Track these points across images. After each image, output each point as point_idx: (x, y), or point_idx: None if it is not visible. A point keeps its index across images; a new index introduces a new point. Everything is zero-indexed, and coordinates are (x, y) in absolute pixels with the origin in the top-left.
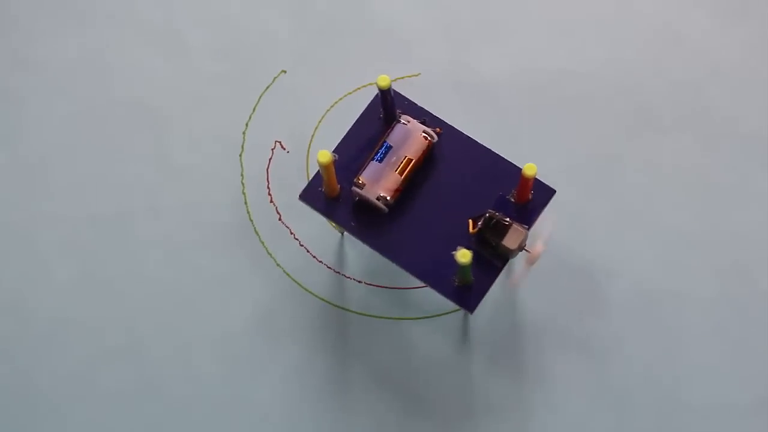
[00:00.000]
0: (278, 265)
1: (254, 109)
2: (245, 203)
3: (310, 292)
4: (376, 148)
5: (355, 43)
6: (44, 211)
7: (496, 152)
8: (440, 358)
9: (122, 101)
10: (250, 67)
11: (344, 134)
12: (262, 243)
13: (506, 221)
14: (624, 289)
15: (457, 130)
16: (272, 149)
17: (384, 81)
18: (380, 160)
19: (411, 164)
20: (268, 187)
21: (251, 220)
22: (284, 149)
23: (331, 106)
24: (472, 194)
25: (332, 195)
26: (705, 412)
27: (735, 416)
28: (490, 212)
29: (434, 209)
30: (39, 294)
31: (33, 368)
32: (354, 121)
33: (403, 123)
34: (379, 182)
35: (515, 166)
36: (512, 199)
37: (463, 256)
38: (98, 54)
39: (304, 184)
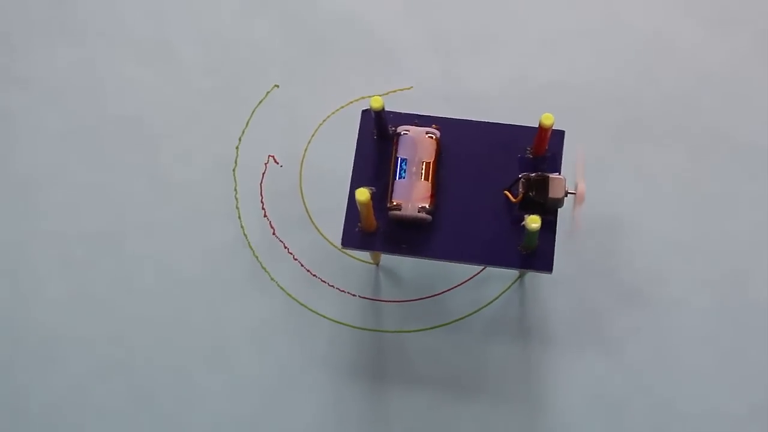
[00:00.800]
0: (272, 279)
1: (247, 124)
2: (239, 218)
3: (305, 306)
4: (392, 168)
5: (347, 57)
6: (37, 227)
7: (494, 122)
8: (436, 373)
9: (114, 117)
10: (243, 81)
11: (351, 167)
12: (256, 257)
13: (542, 176)
14: (617, 297)
15: (450, 118)
16: (265, 163)
17: (377, 102)
18: (402, 177)
19: (431, 167)
20: (262, 202)
21: (245, 235)
22: (277, 163)
23: (324, 120)
24: (492, 169)
25: (371, 229)
26: (699, 420)
27: (729, 424)
28: (523, 176)
29: (465, 197)
30: (32, 310)
31: (27, 385)
32: (354, 151)
33: (405, 133)
34: (412, 196)
35: (519, 126)
36: (530, 156)
37: (534, 221)
38: (90, 70)
39: (297, 198)
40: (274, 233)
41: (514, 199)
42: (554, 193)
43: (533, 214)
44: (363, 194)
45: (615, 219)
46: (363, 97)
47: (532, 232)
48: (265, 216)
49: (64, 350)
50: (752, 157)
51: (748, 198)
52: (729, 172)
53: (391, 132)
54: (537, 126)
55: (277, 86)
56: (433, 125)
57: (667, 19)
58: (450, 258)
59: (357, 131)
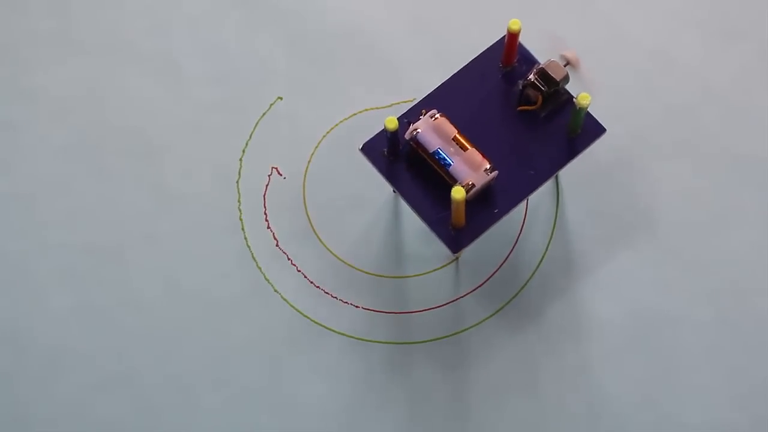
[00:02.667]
0: (276, 290)
1: (251, 136)
2: (242, 229)
3: (308, 318)
4: (436, 162)
5: (350, 69)
6: (40, 240)
7: (461, 66)
8: (430, 384)
9: (118, 129)
10: (246, 94)
11: (391, 190)
12: (260, 269)
13: (538, 69)
14: (620, 312)
15: (431, 93)
16: (269, 175)
17: (392, 123)
18: (450, 163)
19: (461, 136)
20: (265, 213)
21: (248, 246)
22: (281, 175)
23: (327, 132)
24: (492, 104)
25: (462, 225)
26: None
27: None
28: (523, 80)
29: (494, 141)
30: (35, 323)
31: (30, 397)
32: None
33: (417, 131)
34: (472, 168)
35: (484, 52)
36: (506, 69)
37: (584, 98)
38: (94, 82)
39: (301, 210)
40: (277, 245)
41: (534, 106)
42: (557, 74)
43: (555, 105)
44: (459, 192)
45: (615, 231)
46: (366, 109)
47: (582, 108)
48: (268, 228)
49: (66, 363)
50: (755, 170)
51: (752, 211)
52: (732, 185)
53: (402, 147)
54: (502, 39)
55: (281, 98)
56: (423, 111)
57: (669, 34)
58: (531, 190)
59: (360, 143)
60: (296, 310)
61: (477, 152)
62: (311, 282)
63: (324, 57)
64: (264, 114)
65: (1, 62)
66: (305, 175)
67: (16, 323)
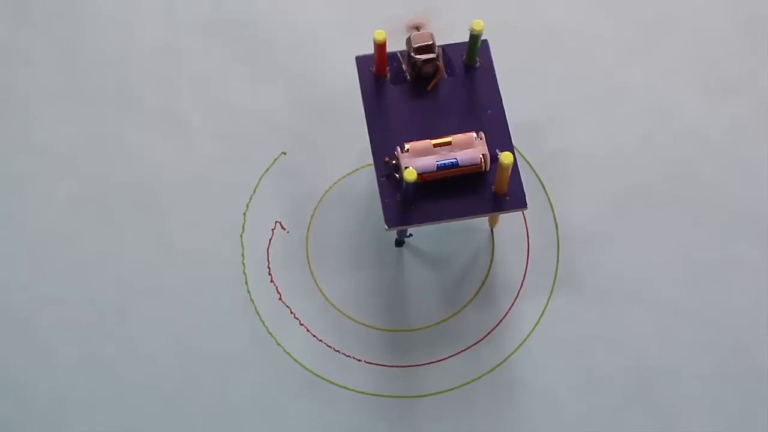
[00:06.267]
0: (278, 344)
1: (255, 190)
2: (246, 283)
3: (310, 371)
4: (448, 170)
5: (352, 125)
6: (45, 292)
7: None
8: None
9: (123, 183)
10: (251, 149)
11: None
12: (263, 322)
13: (412, 49)
14: (621, 365)
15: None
16: (272, 229)
17: (411, 175)
18: (455, 158)
19: (435, 138)
20: (269, 267)
21: (252, 300)
22: (284, 229)
23: (331, 187)
24: (413, 94)
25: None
26: None
27: None
28: (413, 66)
29: (451, 122)
30: (39, 375)
31: None
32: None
33: (408, 168)
34: (471, 146)
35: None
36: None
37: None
38: (100, 137)
39: (304, 264)
40: (280, 299)
41: (438, 74)
42: (426, 38)
43: (429, 81)
44: (508, 157)
45: (616, 286)
46: (368, 165)
47: (477, 34)
48: (271, 281)
49: (70, 414)
50: (753, 223)
51: (751, 264)
52: (731, 238)
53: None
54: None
55: (284, 153)
56: (387, 158)
57: (666, 88)
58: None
59: (363, 198)
60: (299, 363)
61: (458, 135)
62: (314, 335)
63: (327, 113)
64: (268, 169)
65: (9, 116)
66: (308, 229)
67: (20, 374)
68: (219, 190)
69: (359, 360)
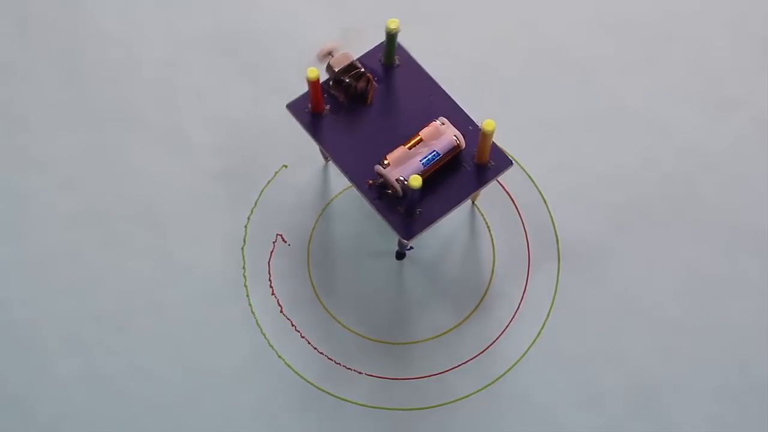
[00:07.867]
0: (279, 356)
1: (256, 203)
2: (247, 296)
3: (312, 384)
4: (434, 165)
5: None
6: (47, 307)
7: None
8: None
9: (124, 197)
10: (252, 162)
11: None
12: (264, 335)
13: (336, 72)
14: (622, 379)
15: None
16: (274, 242)
17: (417, 181)
18: (435, 150)
19: (407, 141)
20: (270, 280)
21: (253, 313)
22: (285, 242)
23: (332, 200)
24: (358, 111)
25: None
26: None
27: None
28: (345, 90)
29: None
30: (41, 390)
31: None
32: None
33: (401, 178)
34: (444, 134)
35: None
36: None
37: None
38: (102, 152)
39: (305, 277)
40: (281, 311)
41: (372, 88)
42: (346, 59)
43: (349, 96)
44: (490, 124)
45: (617, 300)
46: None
47: (393, 33)
48: (272, 294)
49: (70, 429)
50: (753, 238)
51: (752, 280)
52: (731, 254)
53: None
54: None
55: (286, 166)
56: (371, 181)
57: (666, 104)
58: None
59: (364, 211)
60: (300, 376)
61: (423, 129)
62: (315, 348)
63: None
64: (269, 182)
65: (12, 131)
66: (309, 242)
67: (21, 389)
68: (220, 204)
69: (360, 372)
